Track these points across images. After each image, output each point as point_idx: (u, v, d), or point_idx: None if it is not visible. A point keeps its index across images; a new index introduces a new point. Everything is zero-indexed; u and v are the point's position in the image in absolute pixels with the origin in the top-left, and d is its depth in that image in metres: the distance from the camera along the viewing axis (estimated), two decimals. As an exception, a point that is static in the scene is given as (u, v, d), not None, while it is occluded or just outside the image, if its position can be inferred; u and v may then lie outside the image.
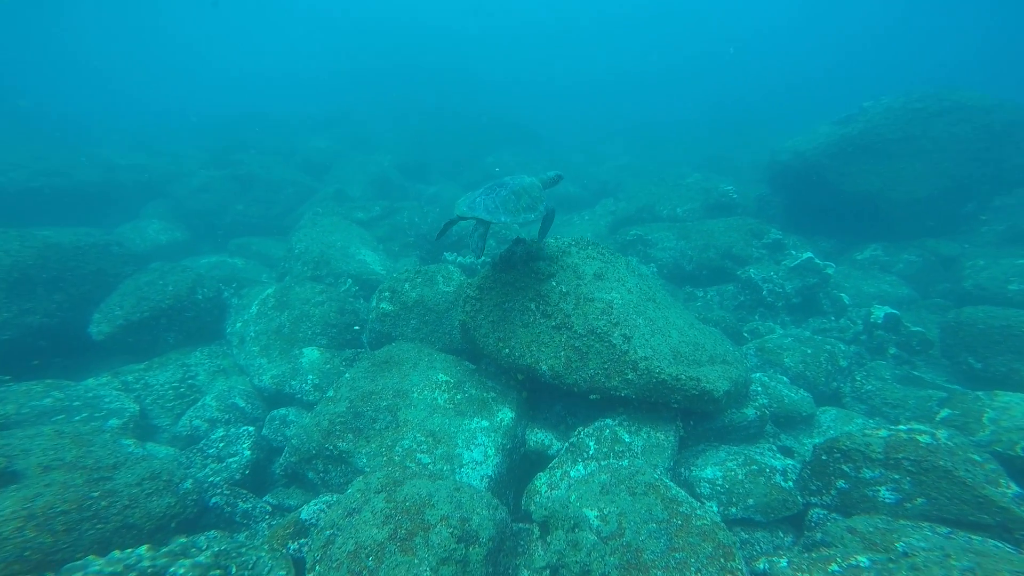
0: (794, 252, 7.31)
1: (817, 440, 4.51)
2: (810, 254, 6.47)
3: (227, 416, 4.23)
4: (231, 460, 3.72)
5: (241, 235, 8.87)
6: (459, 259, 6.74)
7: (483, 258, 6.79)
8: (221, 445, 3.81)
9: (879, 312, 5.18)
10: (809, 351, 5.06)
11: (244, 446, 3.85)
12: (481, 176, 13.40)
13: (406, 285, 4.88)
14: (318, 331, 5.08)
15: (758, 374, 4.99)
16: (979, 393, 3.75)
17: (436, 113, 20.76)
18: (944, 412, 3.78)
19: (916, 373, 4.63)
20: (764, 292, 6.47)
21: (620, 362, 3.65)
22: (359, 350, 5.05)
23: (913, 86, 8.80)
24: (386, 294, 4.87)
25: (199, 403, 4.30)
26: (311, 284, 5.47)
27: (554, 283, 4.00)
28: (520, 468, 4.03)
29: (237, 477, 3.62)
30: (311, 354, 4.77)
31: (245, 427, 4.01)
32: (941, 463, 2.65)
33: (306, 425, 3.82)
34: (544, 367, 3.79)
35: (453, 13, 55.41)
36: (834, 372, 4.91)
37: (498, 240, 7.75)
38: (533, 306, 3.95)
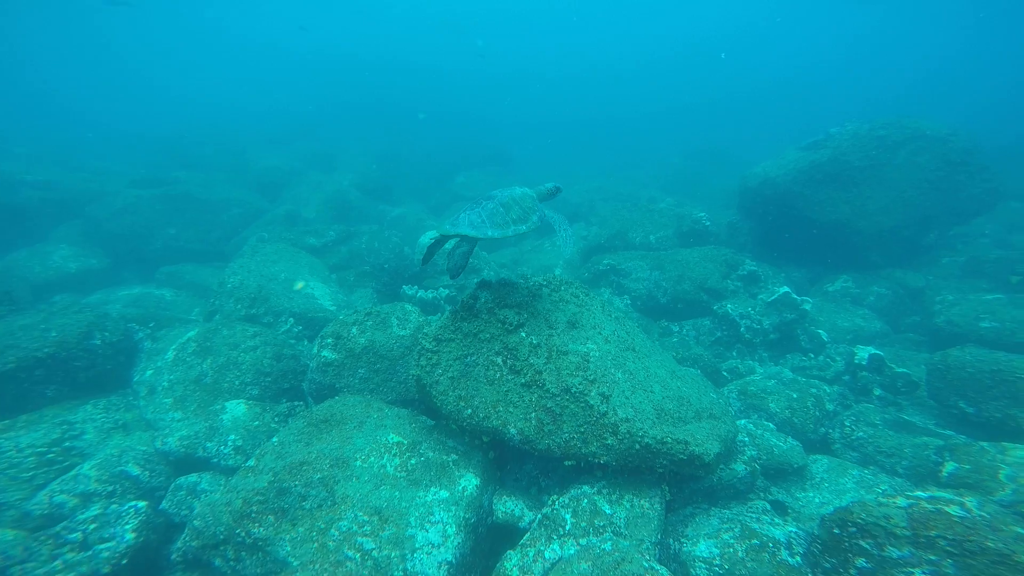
0: (769, 285, 7.13)
1: (811, 494, 4.15)
2: (786, 289, 6.26)
3: (111, 488, 3.41)
4: (102, 548, 2.91)
5: (175, 262, 7.94)
6: (420, 293, 6.15)
7: (457, 281, 6.26)
8: (91, 528, 3.00)
9: (863, 353, 4.95)
10: (795, 395, 4.74)
11: (127, 527, 3.04)
12: (450, 198, 12.88)
13: (353, 329, 4.24)
14: (248, 380, 4.34)
15: (743, 421, 4.61)
16: (984, 445, 3.47)
17: (404, 131, 20.25)
18: (950, 466, 3.46)
19: (906, 417, 4.36)
20: (742, 329, 6.20)
21: (598, 425, 3.16)
22: (296, 403, 4.34)
23: (876, 112, 8.96)
24: (329, 340, 4.21)
25: (72, 472, 3.46)
26: (242, 326, 4.72)
27: (523, 334, 3.50)
28: (487, 541, 3.44)
29: (105, 571, 2.82)
30: (236, 409, 4.02)
31: (133, 503, 3.22)
32: (990, 544, 2.26)
33: (215, 503, 3.09)
34: (513, 430, 3.24)
35: (425, 34, 55.79)
36: (822, 417, 4.60)
37: (471, 271, 7.21)
38: (500, 360, 3.42)
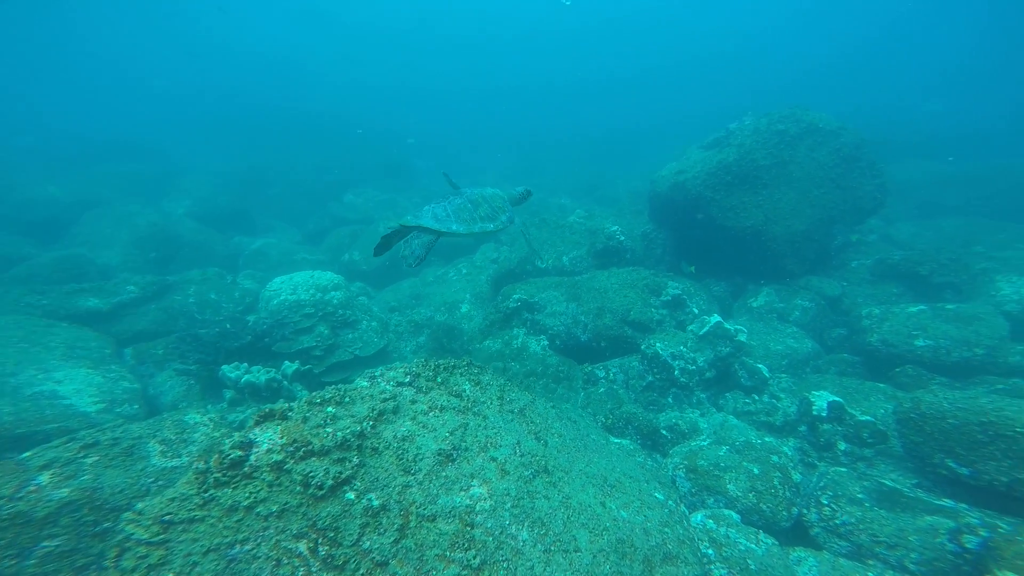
0: (695, 309, 6.36)
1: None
2: (718, 318, 5.47)
3: None
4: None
5: None
6: (249, 377, 4.37)
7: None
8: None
9: (821, 402, 4.19)
10: (756, 470, 3.81)
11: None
12: (331, 222, 10.75)
13: (43, 477, 2.44)
14: None
15: (699, 516, 3.57)
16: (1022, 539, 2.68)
17: (275, 144, 17.26)
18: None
19: (888, 484, 3.60)
20: (676, 372, 5.28)
21: None
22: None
23: (771, 105, 8.58)
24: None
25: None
26: None
27: (352, 495, 2.03)
28: None
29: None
30: None
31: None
32: None
33: None
34: None
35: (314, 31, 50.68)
36: (793, 497, 3.71)
37: (304, 332, 5.50)
38: (304, 549, 1.93)
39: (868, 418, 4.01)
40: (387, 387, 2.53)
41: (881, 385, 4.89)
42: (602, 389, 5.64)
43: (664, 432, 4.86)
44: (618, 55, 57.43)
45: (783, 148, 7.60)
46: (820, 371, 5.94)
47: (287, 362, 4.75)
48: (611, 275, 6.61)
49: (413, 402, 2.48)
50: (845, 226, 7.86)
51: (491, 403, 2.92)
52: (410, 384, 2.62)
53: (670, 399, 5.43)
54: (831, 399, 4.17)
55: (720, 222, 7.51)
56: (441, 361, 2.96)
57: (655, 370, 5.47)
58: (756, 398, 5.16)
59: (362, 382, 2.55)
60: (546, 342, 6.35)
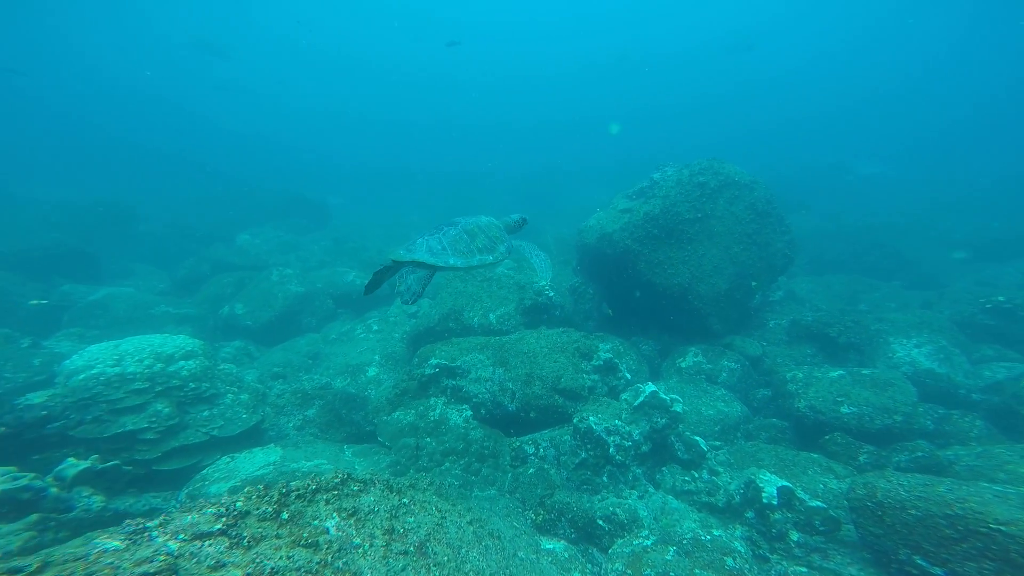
0: (628, 374, 6.00)
1: None
2: (652, 387, 5.10)
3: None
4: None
5: None
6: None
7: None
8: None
9: (770, 488, 3.83)
10: (707, 580, 3.28)
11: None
12: (211, 267, 8.97)
13: None
14: None
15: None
16: None
17: (144, 171, 15.06)
18: None
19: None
20: (611, 449, 4.75)
21: None
22: None
23: (690, 156, 8.65)
24: None
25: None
26: None
27: None
28: None
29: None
30: None
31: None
32: None
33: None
34: None
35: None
36: (747, 613, 3.21)
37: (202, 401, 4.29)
38: None
39: (819, 504, 3.71)
40: (167, 547, 1.61)
41: (815, 456, 4.74)
42: (532, 470, 4.95)
43: (601, 523, 4.24)
44: (532, 98, 60.02)
45: (705, 201, 7.61)
46: (751, 436, 5.76)
47: (71, 459, 3.49)
48: (540, 336, 6.09)
49: (216, 570, 1.58)
50: (764, 284, 8.11)
51: (371, 545, 2.09)
52: (223, 533, 1.72)
53: (605, 478, 4.86)
54: (780, 484, 3.84)
55: (648, 278, 7.39)
56: (294, 485, 2.10)
57: (588, 446, 4.90)
58: (696, 475, 4.75)
59: (112, 542, 1.59)
60: (469, 412, 5.58)
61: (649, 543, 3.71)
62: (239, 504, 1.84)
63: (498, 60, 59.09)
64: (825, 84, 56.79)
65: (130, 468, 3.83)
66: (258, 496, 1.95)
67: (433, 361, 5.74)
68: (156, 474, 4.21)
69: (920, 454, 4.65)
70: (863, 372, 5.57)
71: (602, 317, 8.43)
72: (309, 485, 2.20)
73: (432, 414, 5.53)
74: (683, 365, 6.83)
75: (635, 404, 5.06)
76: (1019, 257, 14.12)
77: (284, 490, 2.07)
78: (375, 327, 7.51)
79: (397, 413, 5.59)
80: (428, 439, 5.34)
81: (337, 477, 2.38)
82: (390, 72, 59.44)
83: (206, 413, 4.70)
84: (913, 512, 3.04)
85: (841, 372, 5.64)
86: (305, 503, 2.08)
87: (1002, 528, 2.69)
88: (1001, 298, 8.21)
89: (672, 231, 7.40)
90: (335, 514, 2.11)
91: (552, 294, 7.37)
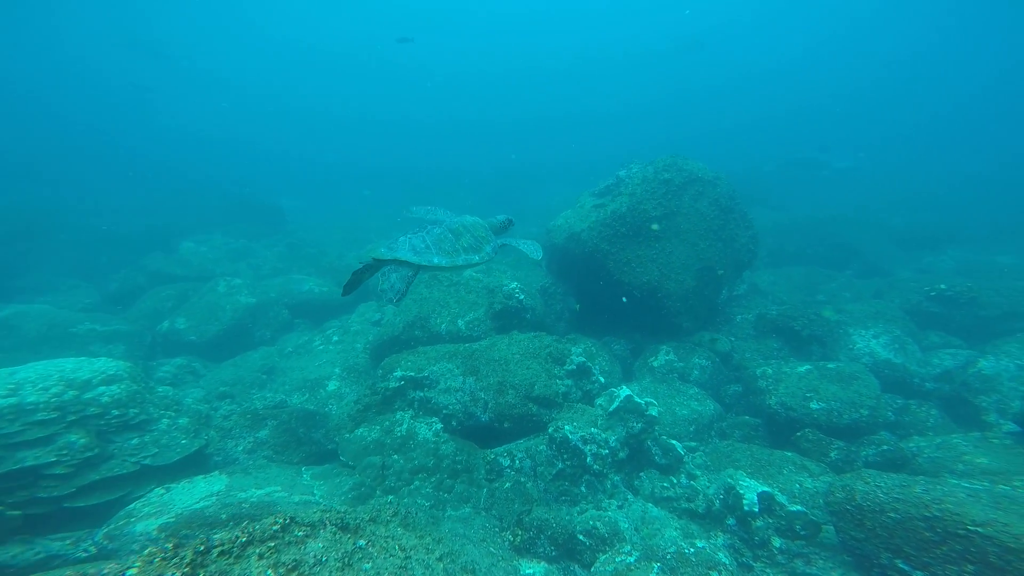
0: (601, 378, 5.86)
1: None
2: (627, 391, 4.98)
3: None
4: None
5: None
6: None
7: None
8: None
9: (751, 495, 3.77)
10: (692, 599, 3.17)
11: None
12: (148, 279, 8.18)
13: None
14: None
15: None
16: None
17: (68, 173, 13.69)
18: None
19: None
20: (588, 459, 4.60)
21: None
22: None
23: (655, 153, 8.61)
24: None
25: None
26: None
27: None
28: None
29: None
30: None
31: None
32: None
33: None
34: None
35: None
36: (733, 631, 3.12)
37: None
38: None
39: (799, 508, 3.68)
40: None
41: (789, 454, 4.75)
42: (508, 484, 4.72)
43: (582, 538, 4.09)
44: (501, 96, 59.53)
45: (671, 198, 7.58)
46: (725, 435, 5.76)
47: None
48: (512, 342, 5.87)
49: None
50: (730, 280, 8.21)
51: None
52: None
53: (583, 488, 4.71)
54: (760, 489, 3.79)
55: (617, 277, 7.30)
56: (217, 539, 1.77)
57: (565, 456, 4.73)
58: (674, 480, 4.67)
59: None
60: (439, 426, 5.29)
61: (632, 559, 3.57)
62: (131, 573, 1.50)
63: (460, 58, 58.22)
64: (800, 81, 58.56)
65: (17, 512, 3.37)
66: (163, 559, 1.61)
67: (399, 372, 5.42)
68: (73, 511, 3.73)
69: (886, 447, 4.75)
70: (829, 366, 5.67)
71: (573, 317, 8.31)
72: (239, 538, 1.86)
73: (399, 429, 5.22)
74: (655, 364, 6.78)
75: (610, 409, 4.93)
76: (951, 245, 15.12)
77: (202, 547, 1.73)
78: (335, 338, 7.06)
79: (361, 430, 5.24)
80: (395, 456, 5.02)
81: (276, 523, 2.05)
82: (348, 65, 57.50)
83: (135, 441, 4.20)
84: (892, 515, 3.03)
85: (809, 367, 5.73)
86: (230, 561, 1.75)
87: (979, 530, 2.70)
88: (943, 286, 8.65)
89: (640, 229, 7.35)
90: (270, 571, 1.79)
91: (523, 297, 7.16)
